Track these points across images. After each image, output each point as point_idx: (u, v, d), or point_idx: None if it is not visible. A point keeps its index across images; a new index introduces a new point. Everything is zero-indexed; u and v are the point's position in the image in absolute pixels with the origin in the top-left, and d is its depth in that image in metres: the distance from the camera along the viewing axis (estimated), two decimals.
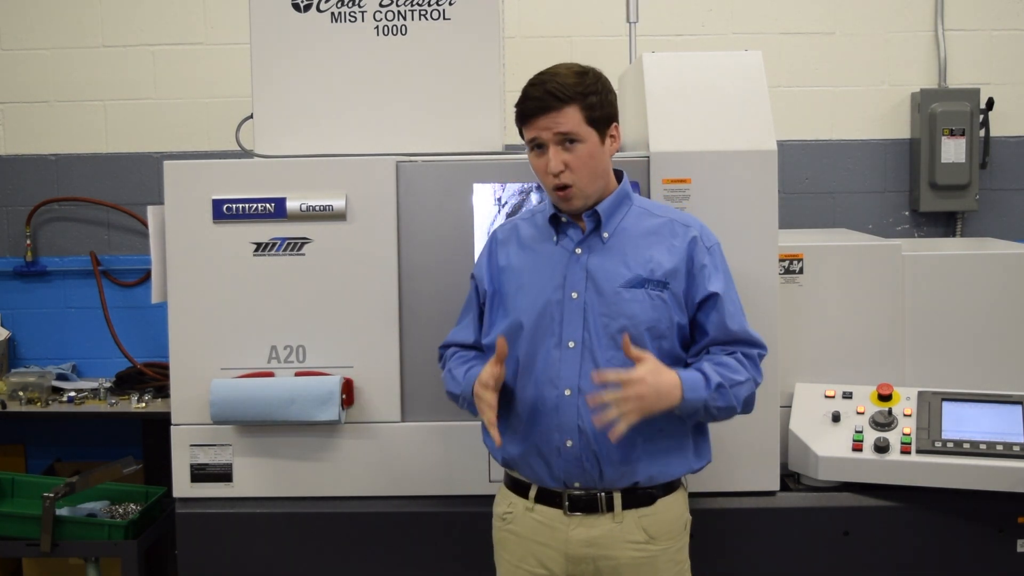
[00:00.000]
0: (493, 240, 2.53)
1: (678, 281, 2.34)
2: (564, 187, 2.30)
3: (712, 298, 2.34)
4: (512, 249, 2.46)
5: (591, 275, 2.34)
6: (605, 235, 2.36)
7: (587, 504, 2.34)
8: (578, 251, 2.36)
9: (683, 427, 2.36)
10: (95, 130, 4.28)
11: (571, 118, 2.27)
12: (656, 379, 2.20)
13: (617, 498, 2.33)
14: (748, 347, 2.36)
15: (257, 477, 2.88)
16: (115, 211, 4.28)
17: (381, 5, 2.93)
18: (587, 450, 2.31)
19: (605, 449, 2.30)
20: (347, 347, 2.85)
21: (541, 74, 2.32)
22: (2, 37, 4.28)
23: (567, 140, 2.28)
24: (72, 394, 3.97)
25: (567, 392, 2.31)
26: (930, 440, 2.82)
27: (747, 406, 2.36)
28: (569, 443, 2.31)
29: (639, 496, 2.35)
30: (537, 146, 2.32)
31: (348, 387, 2.83)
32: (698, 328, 2.38)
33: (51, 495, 3.42)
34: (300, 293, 2.85)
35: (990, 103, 4.12)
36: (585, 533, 2.34)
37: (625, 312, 2.31)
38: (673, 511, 2.39)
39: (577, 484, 2.34)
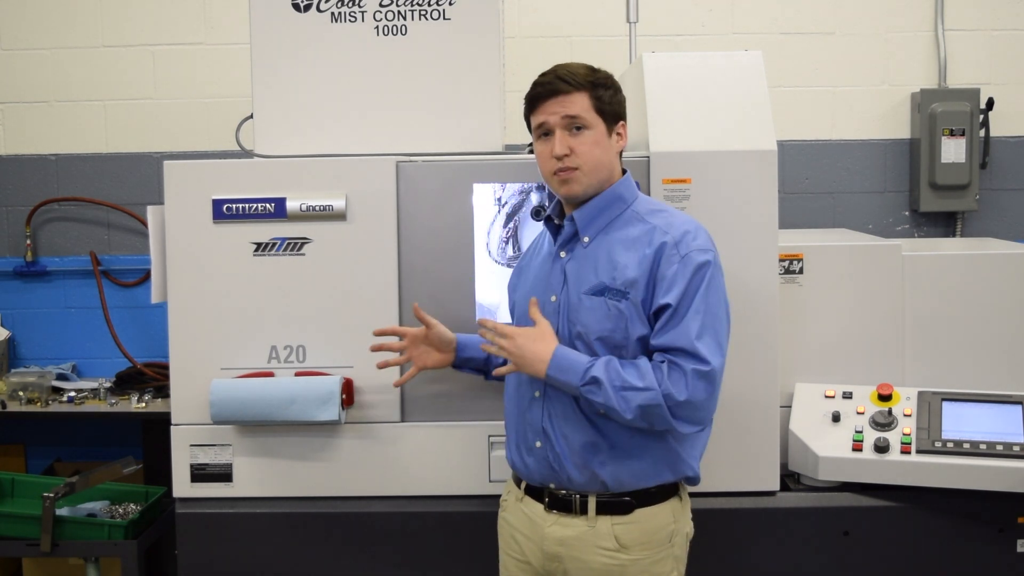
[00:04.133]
0: (531, 244, 2.59)
1: (637, 291, 2.26)
2: (566, 170, 2.30)
3: (664, 310, 2.23)
4: (531, 250, 2.54)
5: (567, 279, 2.35)
6: (585, 240, 2.35)
7: (564, 504, 2.36)
8: (562, 255, 2.37)
9: (655, 434, 2.30)
10: (95, 130, 4.28)
11: (579, 103, 2.28)
12: (525, 342, 2.28)
13: (591, 502, 2.33)
14: (684, 357, 2.20)
15: (257, 477, 2.88)
16: (115, 211, 4.28)
17: (381, 5, 2.93)
18: (551, 451, 2.33)
19: (567, 451, 2.31)
20: (347, 347, 2.85)
21: (552, 67, 2.34)
22: (2, 37, 4.28)
23: (574, 126, 2.29)
24: (72, 394, 3.97)
25: (536, 394, 2.36)
26: (930, 440, 2.82)
27: (647, 418, 2.21)
28: (538, 444, 2.35)
29: (616, 503, 2.32)
30: (543, 134, 2.33)
31: (348, 387, 2.82)
32: None
33: (51, 495, 3.42)
34: (300, 293, 2.85)
35: (990, 103, 4.12)
36: (560, 532, 2.35)
37: (580, 319, 2.30)
38: (654, 522, 2.34)
39: (552, 484, 2.36)
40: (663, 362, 2.22)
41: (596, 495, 2.32)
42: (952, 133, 4.08)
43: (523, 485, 2.44)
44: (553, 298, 2.35)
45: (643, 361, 2.24)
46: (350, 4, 2.93)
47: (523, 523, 2.42)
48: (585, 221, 2.35)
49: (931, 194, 4.13)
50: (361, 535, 2.88)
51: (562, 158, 2.29)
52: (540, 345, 2.27)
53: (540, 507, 2.39)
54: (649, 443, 2.31)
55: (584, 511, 2.33)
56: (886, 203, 4.25)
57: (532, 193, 3.00)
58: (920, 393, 2.92)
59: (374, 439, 2.87)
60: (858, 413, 2.91)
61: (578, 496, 2.33)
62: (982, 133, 4.14)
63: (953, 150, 4.08)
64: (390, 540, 2.88)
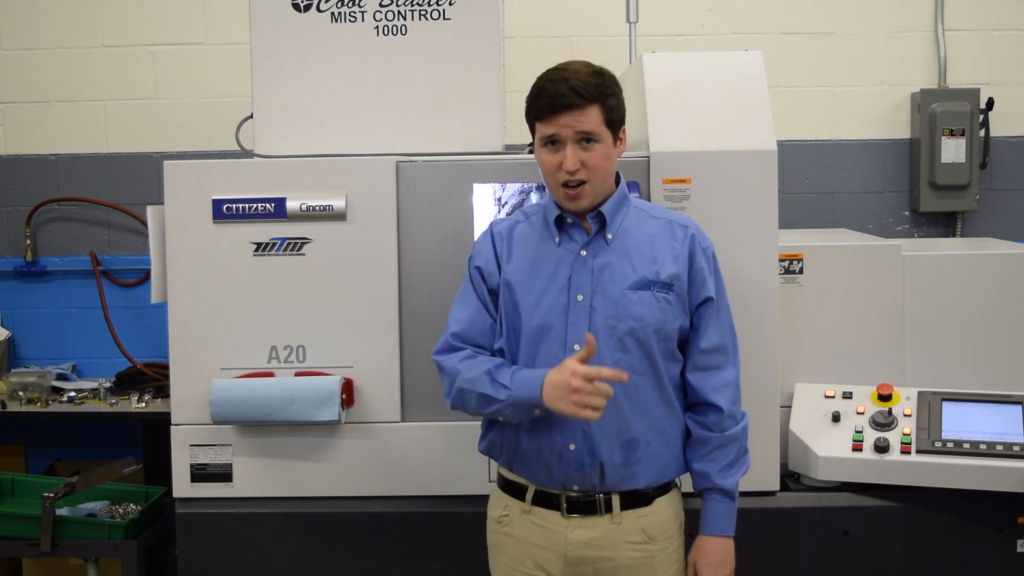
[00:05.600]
0: (498, 237, 2.45)
1: (681, 283, 2.35)
2: (576, 184, 2.29)
3: (707, 303, 2.37)
4: (514, 249, 2.42)
5: (597, 277, 2.33)
6: (609, 236, 2.35)
7: (585, 506, 2.34)
8: (583, 253, 2.35)
9: (678, 427, 2.38)
10: (95, 130, 4.28)
11: (593, 118, 2.26)
12: (713, 561, 2.40)
13: (616, 499, 2.33)
14: (726, 356, 2.40)
15: (257, 477, 2.88)
16: (115, 211, 4.28)
17: (381, 5, 2.93)
18: (590, 454, 2.30)
19: (608, 453, 2.30)
20: (347, 347, 2.85)
21: (558, 70, 2.27)
22: (2, 37, 4.28)
23: (586, 139, 2.27)
24: (72, 394, 3.97)
25: None
26: (930, 440, 2.82)
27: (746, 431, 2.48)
28: (572, 447, 2.31)
29: (637, 497, 2.35)
30: (551, 142, 2.30)
31: (348, 387, 2.83)
32: (692, 330, 2.39)
33: (51, 495, 3.42)
34: (300, 293, 2.85)
35: (990, 103, 4.12)
36: (584, 535, 2.34)
37: (632, 314, 2.30)
38: (669, 510, 2.40)
39: (575, 487, 2.34)
40: (712, 405, 2.38)
41: (620, 493, 2.33)
42: (952, 133, 4.08)
43: (529, 495, 2.39)
44: (580, 297, 2.32)
45: (713, 437, 2.38)
46: (350, 4, 2.93)
47: (536, 534, 2.38)
48: (610, 218, 2.36)
49: (931, 194, 4.14)
50: (361, 535, 2.88)
51: (574, 172, 2.27)
52: (709, 547, 2.41)
53: (555, 514, 2.35)
54: (672, 440, 2.37)
55: (609, 509, 2.33)
56: (886, 203, 4.26)
57: (532, 193, 3.00)
58: (920, 393, 2.92)
59: (374, 439, 2.87)
60: (858, 413, 2.91)
61: (602, 496, 2.33)
62: (982, 133, 4.14)
63: (953, 150, 4.09)
64: (390, 540, 2.88)
